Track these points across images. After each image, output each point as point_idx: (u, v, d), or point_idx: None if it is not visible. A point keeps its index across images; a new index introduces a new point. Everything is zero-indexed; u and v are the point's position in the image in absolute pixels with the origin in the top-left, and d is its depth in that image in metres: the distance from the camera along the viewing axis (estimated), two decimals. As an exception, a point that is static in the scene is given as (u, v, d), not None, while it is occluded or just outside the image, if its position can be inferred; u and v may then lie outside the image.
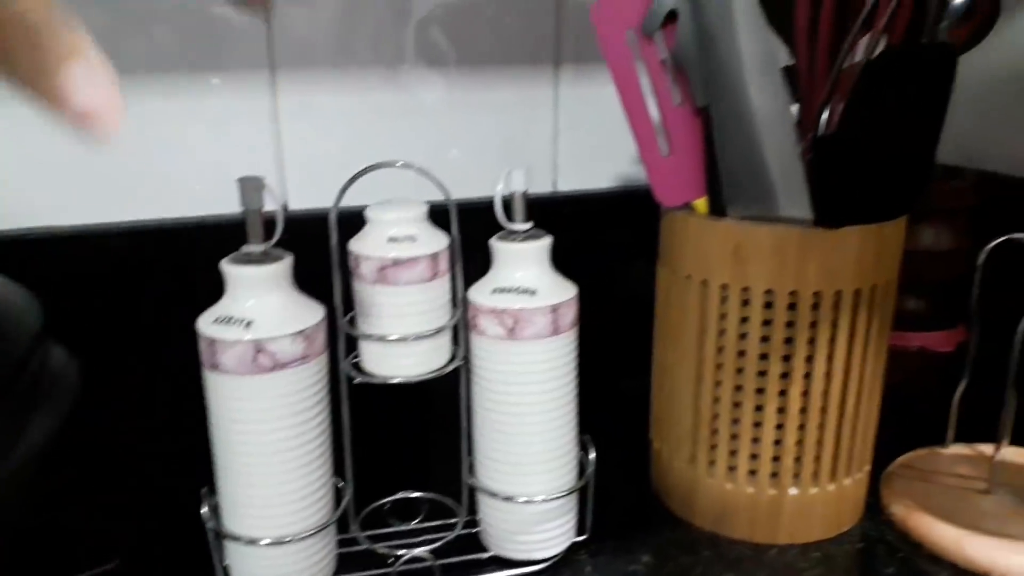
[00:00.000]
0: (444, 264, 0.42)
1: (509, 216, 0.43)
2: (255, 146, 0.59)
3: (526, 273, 0.42)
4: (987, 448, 0.54)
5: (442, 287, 0.42)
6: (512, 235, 0.43)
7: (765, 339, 0.44)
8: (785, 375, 0.45)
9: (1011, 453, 0.53)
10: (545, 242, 0.43)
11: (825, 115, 0.44)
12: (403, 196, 0.43)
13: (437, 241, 0.42)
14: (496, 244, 0.43)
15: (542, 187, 0.68)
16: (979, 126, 0.76)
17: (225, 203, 0.55)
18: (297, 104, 0.59)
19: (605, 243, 0.67)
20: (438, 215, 0.43)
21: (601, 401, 0.50)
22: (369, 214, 0.41)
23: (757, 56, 0.41)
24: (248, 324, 0.37)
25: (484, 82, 0.63)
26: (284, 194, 0.60)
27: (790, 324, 0.44)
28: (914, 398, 0.60)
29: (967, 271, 0.50)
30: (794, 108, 0.48)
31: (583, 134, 0.67)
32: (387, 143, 0.62)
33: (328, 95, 0.60)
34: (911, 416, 0.58)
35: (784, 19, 0.46)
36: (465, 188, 0.63)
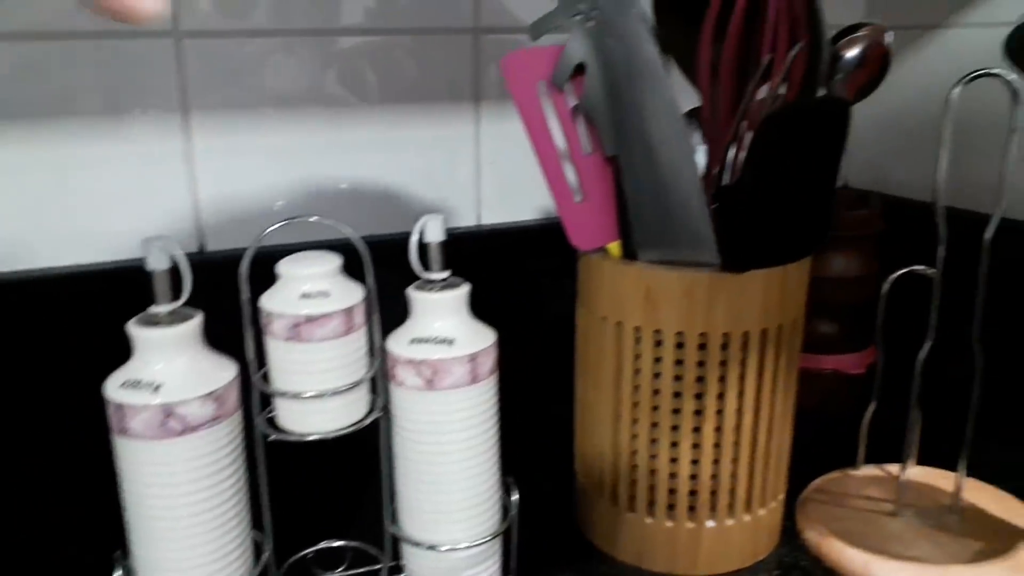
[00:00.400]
0: (359, 317, 0.42)
1: (425, 265, 0.43)
2: (169, 189, 0.58)
3: (444, 323, 0.42)
4: (896, 469, 0.56)
5: (358, 340, 0.42)
6: (429, 284, 0.43)
7: (678, 378, 0.45)
8: (699, 412, 0.46)
9: (917, 473, 0.56)
10: (463, 290, 0.43)
11: (731, 156, 0.45)
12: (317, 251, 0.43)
13: (351, 294, 0.42)
14: (413, 294, 0.43)
15: (467, 221, 0.68)
16: (887, 152, 0.79)
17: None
18: (213, 144, 0.58)
19: (532, 273, 0.68)
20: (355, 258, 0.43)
21: (529, 435, 0.50)
22: (280, 269, 0.41)
23: (663, 107, 0.42)
24: (156, 388, 0.37)
25: (406, 119, 0.64)
26: (201, 237, 0.59)
27: (701, 364, 0.45)
28: (829, 419, 0.62)
29: (876, 295, 0.52)
30: (703, 149, 0.49)
31: (506, 168, 0.68)
32: (307, 181, 0.61)
33: (244, 134, 0.59)
34: (826, 437, 0.60)
35: (690, 62, 0.48)
36: (389, 223, 0.64)
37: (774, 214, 0.42)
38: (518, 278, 0.67)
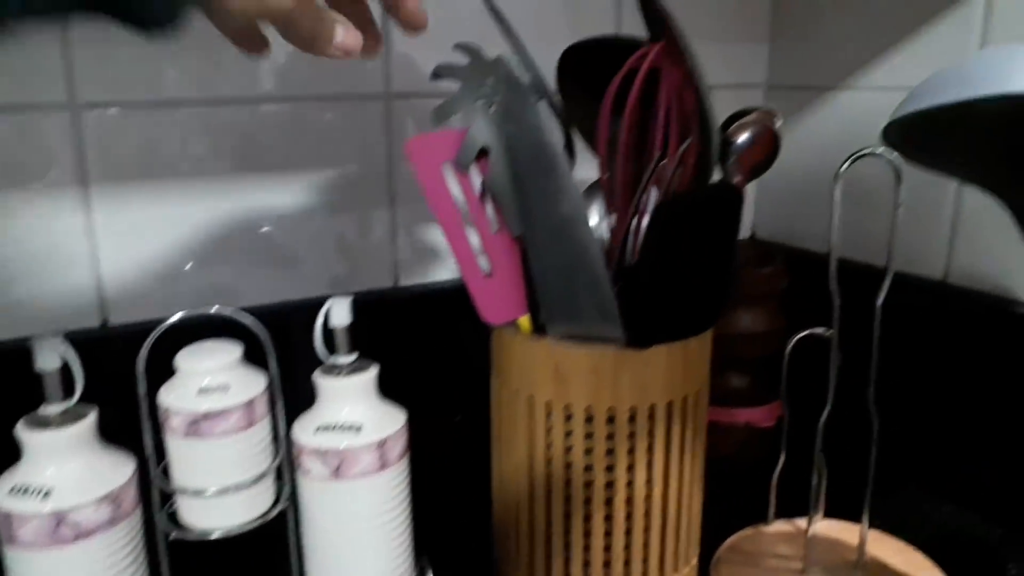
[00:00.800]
0: (261, 408, 0.41)
1: (332, 348, 0.43)
2: (70, 262, 0.56)
3: (351, 408, 0.42)
4: (804, 523, 0.58)
5: (260, 432, 0.41)
6: (336, 369, 0.43)
7: (589, 451, 0.46)
8: (610, 484, 0.46)
9: (824, 527, 0.58)
10: (371, 373, 0.43)
11: (632, 228, 0.46)
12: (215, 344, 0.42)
13: (253, 385, 0.41)
14: (319, 379, 0.42)
15: (383, 283, 0.68)
16: (791, 205, 0.82)
17: (39, 324, 0.52)
18: (114, 217, 0.57)
19: (451, 336, 0.68)
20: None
21: (446, 508, 0.50)
22: (179, 363, 0.40)
23: (564, 192, 0.43)
24: (46, 494, 0.35)
25: (319, 184, 0.63)
26: (104, 311, 0.57)
27: (610, 437, 0.46)
28: (743, 470, 0.63)
29: (784, 348, 0.54)
30: (605, 219, 0.51)
31: (423, 230, 0.68)
32: (216, 249, 0.60)
33: (148, 206, 0.58)
34: (740, 490, 0.62)
35: (593, 134, 0.49)
36: (302, 288, 0.63)
37: (673, 294, 0.43)
38: (437, 341, 0.67)
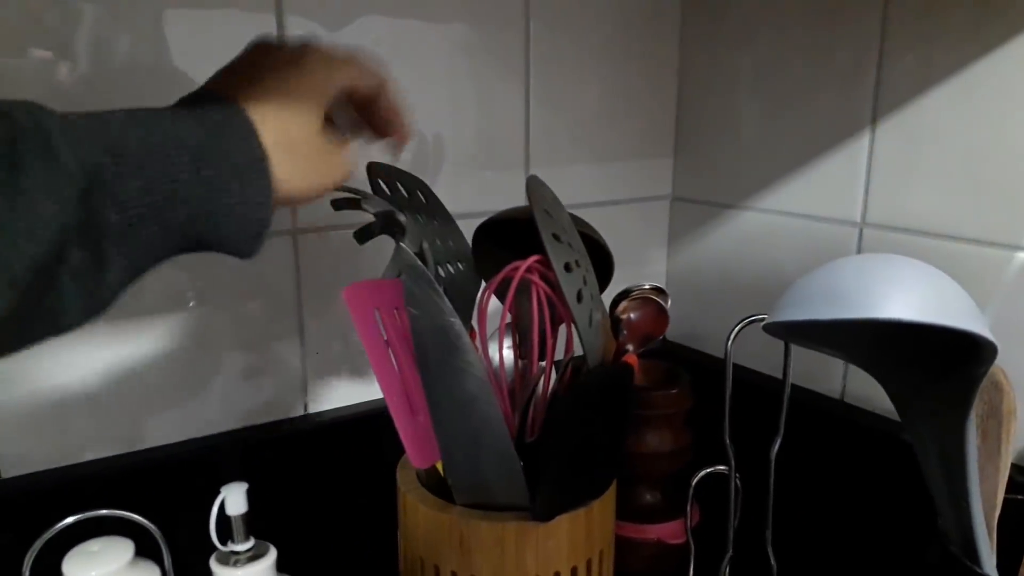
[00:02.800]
0: (156, 610, 0.40)
1: (225, 538, 0.42)
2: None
3: (249, 598, 0.41)
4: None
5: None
6: (233, 556, 0.42)
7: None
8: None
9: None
10: (268, 560, 0.42)
11: (533, 403, 0.47)
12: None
13: (146, 588, 0.40)
14: (216, 569, 0.41)
15: (294, 412, 0.67)
16: (696, 311, 0.85)
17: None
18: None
19: (364, 461, 0.67)
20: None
21: None
22: (65, 570, 0.39)
23: (470, 367, 0.43)
24: None
25: (227, 317, 0.62)
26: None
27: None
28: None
29: (692, 463, 0.56)
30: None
31: (335, 356, 0.68)
32: (120, 392, 0.59)
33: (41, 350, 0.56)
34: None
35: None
36: (214, 424, 0.62)
37: (574, 466, 0.44)
38: (351, 469, 0.66)
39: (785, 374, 0.50)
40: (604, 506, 0.48)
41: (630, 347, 0.46)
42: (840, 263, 0.38)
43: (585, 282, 0.44)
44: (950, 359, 0.38)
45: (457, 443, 0.45)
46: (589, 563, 0.48)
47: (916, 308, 0.34)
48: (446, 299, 0.42)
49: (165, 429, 0.61)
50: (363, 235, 0.48)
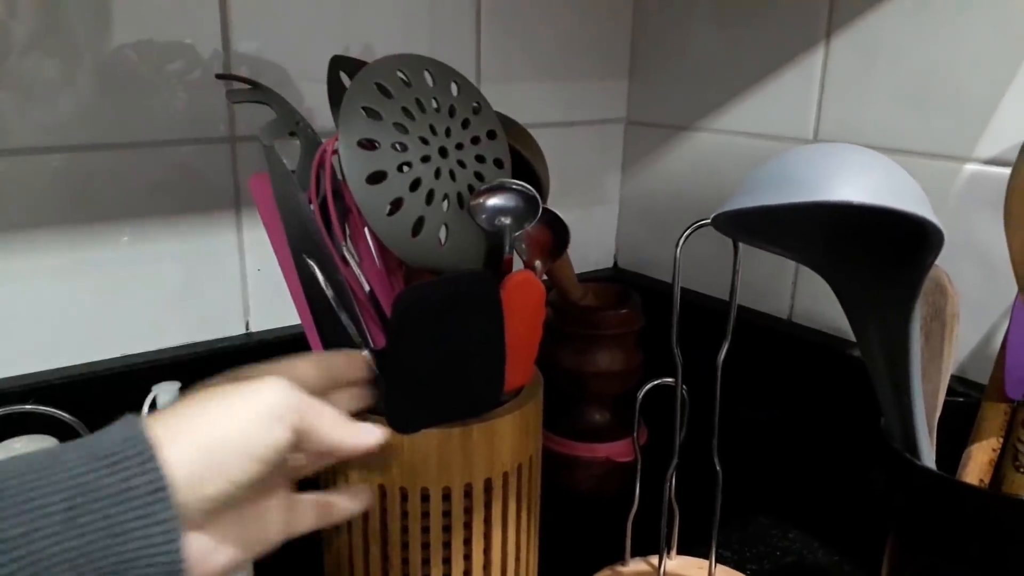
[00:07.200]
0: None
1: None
2: None
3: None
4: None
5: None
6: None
7: (425, 530, 0.46)
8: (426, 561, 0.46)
9: (676, 565, 0.60)
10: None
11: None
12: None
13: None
14: None
15: (235, 331, 0.65)
16: (647, 236, 0.84)
17: None
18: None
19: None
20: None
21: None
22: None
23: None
24: None
25: (163, 232, 0.60)
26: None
27: (447, 514, 0.45)
28: (605, 504, 0.64)
29: (641, 383, 0.55)
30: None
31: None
32: (61, 303, 0.56)
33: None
34: (600, 528, 0.63)
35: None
36: (153, 339, 0.60)
37: (423, 380, 0.42)
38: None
39: (734, 280, 0.49)
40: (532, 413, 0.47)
41: (538, 263, 0.45)
42: (791, 152, 0.37)
43: (438, 176, 0.43)
44: (898, 250, 0.37)
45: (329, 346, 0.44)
46: (506, 475, 0.47)
47: (867, 191, 0.33)
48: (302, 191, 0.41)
49: (101, 344, 0.58)
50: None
